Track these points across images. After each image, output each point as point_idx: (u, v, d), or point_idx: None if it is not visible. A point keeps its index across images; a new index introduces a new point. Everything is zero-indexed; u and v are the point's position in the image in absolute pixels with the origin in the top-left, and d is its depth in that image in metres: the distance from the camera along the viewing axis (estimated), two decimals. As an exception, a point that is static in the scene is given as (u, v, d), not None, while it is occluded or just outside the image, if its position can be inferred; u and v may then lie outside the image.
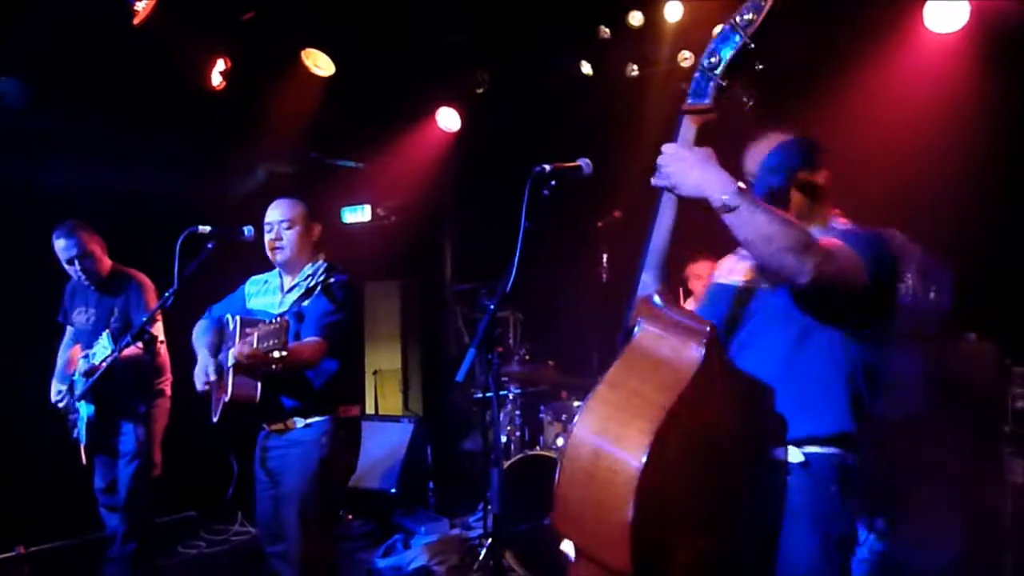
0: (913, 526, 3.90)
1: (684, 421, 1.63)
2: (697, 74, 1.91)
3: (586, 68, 5.42)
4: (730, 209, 1.81)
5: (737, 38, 1.86)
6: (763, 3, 1.85)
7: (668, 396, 1.63)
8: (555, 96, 5.56)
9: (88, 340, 3.94)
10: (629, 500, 1.53)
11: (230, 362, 2.94)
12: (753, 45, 1.85)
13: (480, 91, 5.73)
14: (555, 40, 5.29)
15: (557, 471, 1.68)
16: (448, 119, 6.10)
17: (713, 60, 1.88)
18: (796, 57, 4.65)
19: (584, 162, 2.43)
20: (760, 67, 1.99)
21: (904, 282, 4.04)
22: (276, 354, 2.70)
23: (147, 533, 4.31)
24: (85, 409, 3.95)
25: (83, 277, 3.98)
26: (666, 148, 1.92)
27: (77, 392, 3.91)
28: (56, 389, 4.08)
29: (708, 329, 1.71)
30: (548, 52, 5.40)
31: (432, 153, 6.31)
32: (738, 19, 1.86)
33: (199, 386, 3.13)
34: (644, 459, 1.56)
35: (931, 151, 4.16)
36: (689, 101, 1.92)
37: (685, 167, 1.87)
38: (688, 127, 1.92)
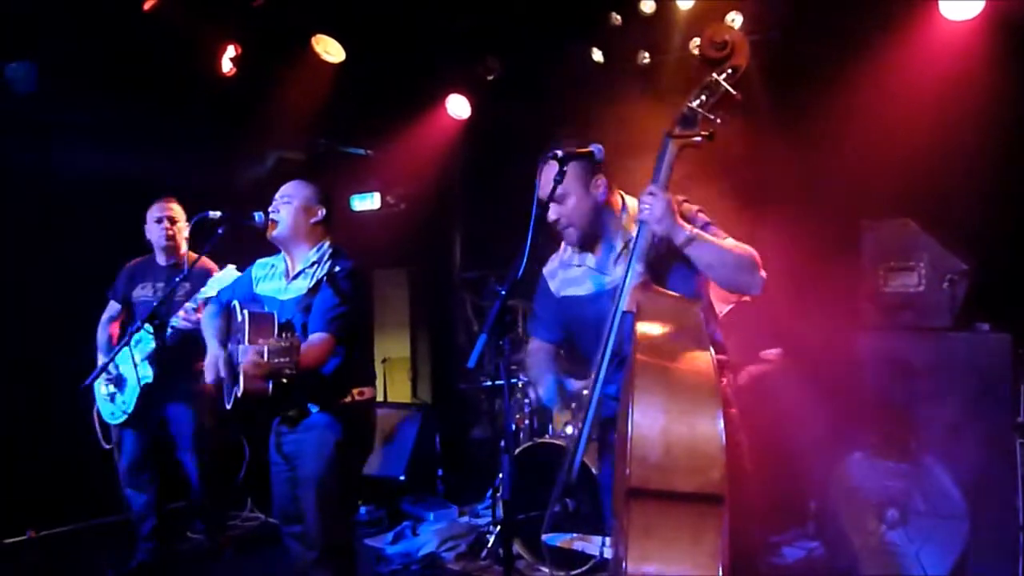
0: (924, 517, 3.89)
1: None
2: (685, 110, 2.22)
3: (597, 55, 5.39)
4: (691, 241, 2.27)
5: (721, 88, 2.19)
6: (742, 65, 2.19)
7: (695, 333, 2.02)
8: (566, 83, 5.51)
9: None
10: (717, 425, 1.82)
11: (240, 359, 2.91)
12: (736, 93, 2.19)
13: (490, 78, 5.71)
14: (566, 27, 5.25)
15: (628, 432, 1.82)
16: (458, 106, 6.07)
17: (702, 100, 2.20)
18: (812, 46, 4.62)
19: (596, 147, 2.42)
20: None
21: (917, 272, 4.03)
22: (287, 371, 2.72)
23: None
24: (143, 371, 4.03)
25: (163, 240, 4.14)
26: (651, 189, 2.27)
27: (140, 357, 4.03)
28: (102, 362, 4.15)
29: (694, 299, 2.24)
30: (559, 39, 5.37)
31: (442, 140, 6.27)
32: (721, 75, 2.19)
33: (209, 379, 3.11)
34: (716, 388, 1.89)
35: (946, 141, 4.12)
36: (678, 130, 2.23)
37: (664, 213, 2.24)
38: (672, 149, 2.25)
